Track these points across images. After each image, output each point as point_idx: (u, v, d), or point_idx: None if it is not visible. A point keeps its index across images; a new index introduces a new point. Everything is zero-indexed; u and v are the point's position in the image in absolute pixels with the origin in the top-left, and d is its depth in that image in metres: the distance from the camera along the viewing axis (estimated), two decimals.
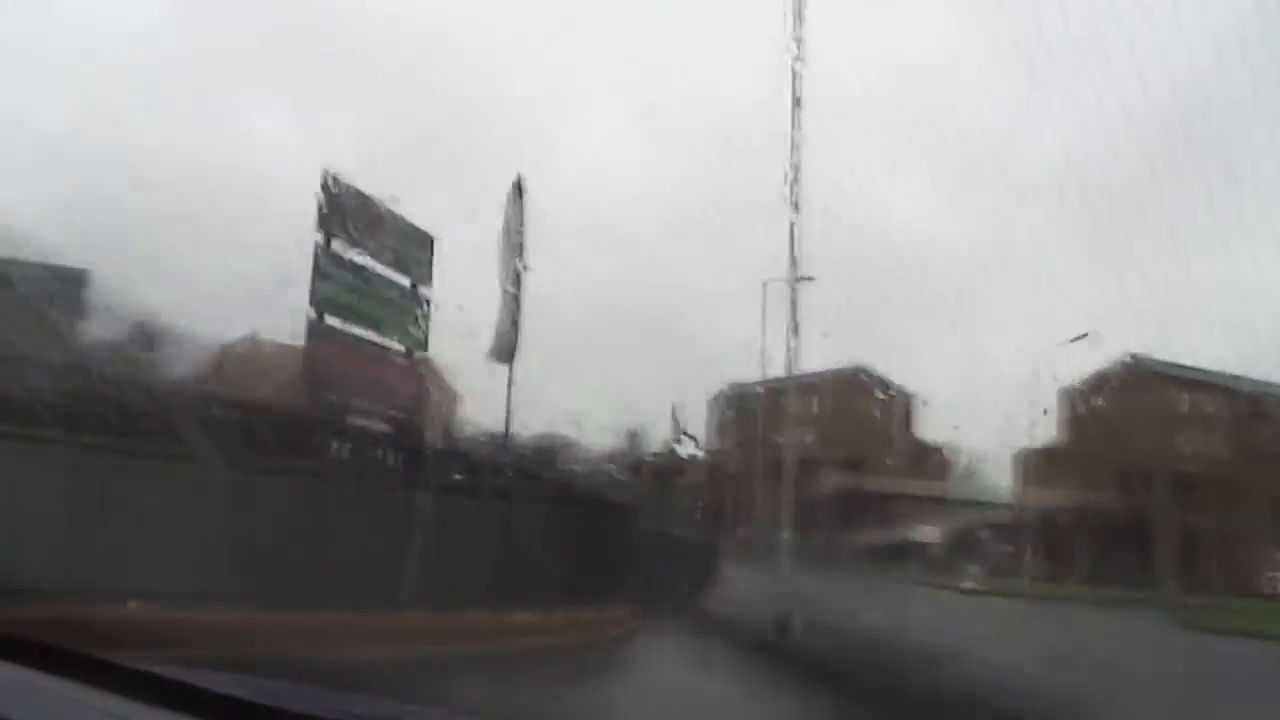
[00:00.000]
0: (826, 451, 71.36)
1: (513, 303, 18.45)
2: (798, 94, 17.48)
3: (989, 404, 77.09)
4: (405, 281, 14.62)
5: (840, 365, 69.88)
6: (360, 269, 13.52)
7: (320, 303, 12.82)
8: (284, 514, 11.53)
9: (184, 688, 1.96)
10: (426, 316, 14.94)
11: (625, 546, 16.27)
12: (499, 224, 18.77)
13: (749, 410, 71.85)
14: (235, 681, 2.02)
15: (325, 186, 12.94)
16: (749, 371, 59.66)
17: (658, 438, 65.59)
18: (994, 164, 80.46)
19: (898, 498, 63.87)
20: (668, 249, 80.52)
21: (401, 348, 14.57)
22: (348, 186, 13.40)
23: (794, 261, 17.46)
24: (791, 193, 17.49)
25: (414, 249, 14.67)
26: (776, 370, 59.76)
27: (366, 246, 13.67)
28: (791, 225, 17.43)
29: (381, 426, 13.66)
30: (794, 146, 17.46)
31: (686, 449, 53.46)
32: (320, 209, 12.90)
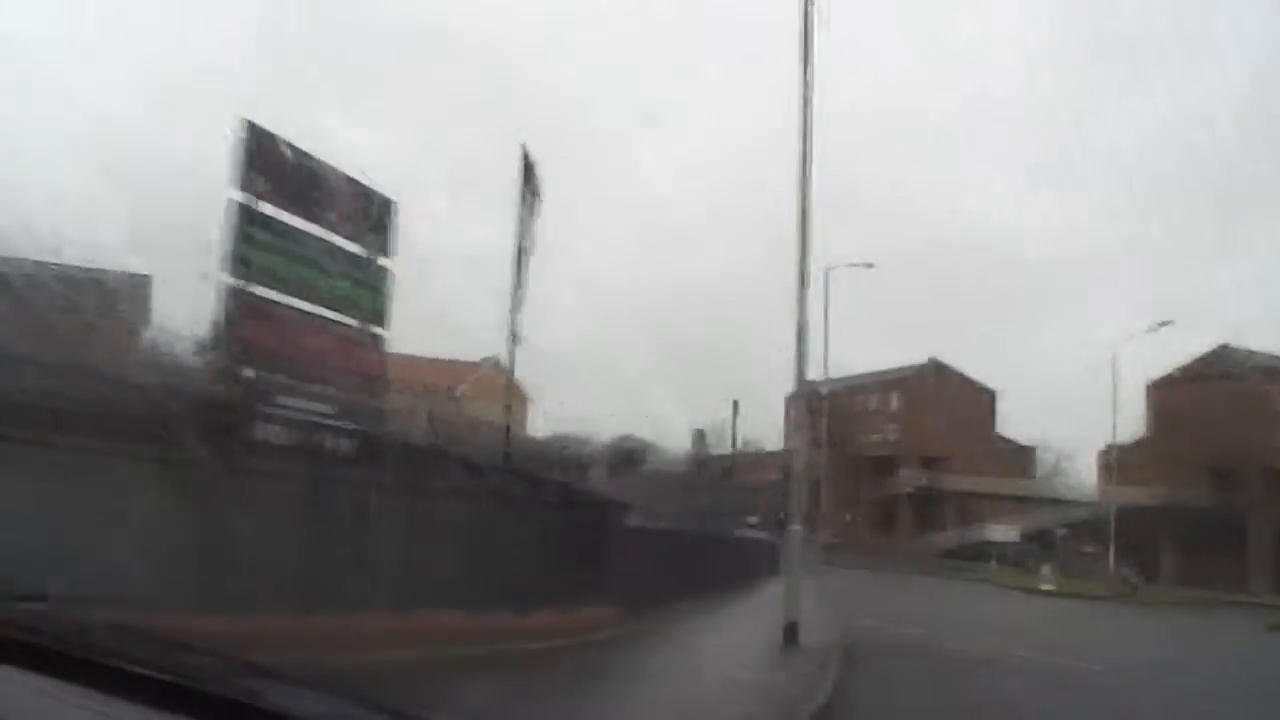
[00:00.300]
0: (905, 449, 68.78)
1: (517, 285, 16.78)
2: (807, 96, 15.74)
3: (1076, 399, 73.48)
4: (357, 249, 12.86)
5: (918, 361, 67.29)
6: (291, 230, 11.75)
7: (237, 267, 11.07)
8: (216, 511, 10.01)
9: (182, 690, 1.88)
10: (386, 289, 13.16)
11: (611, 547, 14.40)
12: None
13: (820, 409, 69.64)
14: (233, 684, 1.96)
15: (244, 135, 11.23)
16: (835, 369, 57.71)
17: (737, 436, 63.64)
18: (1083, 156, 76.82)
19: (977, 496, 61.00)
20: (742, 248, 78.40)
21: (354, 322, 12.80)
22: (275, 137, 11.66)
23: (803, 259, 15.35)
24: (802, 193, 15.60)
25: (368, 213, 12.90)
26: (841, 359, 57.46)
27: (302, 206, 11.92)
28: (801, 224, 15.45)
29: (322, 408, 11.92)
30: (805, 157, 15.64)
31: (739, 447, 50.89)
32: (238, 160, 11.17)
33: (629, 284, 76.13)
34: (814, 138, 15.70)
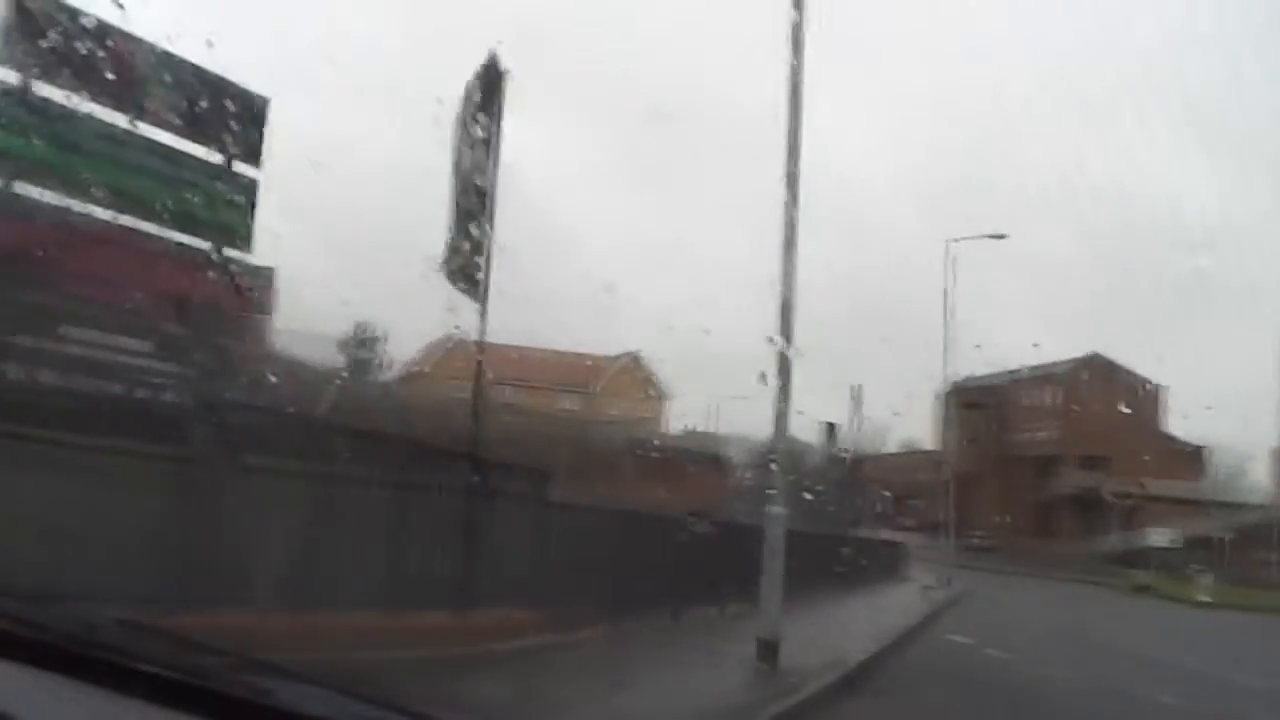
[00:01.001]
0: (1065, 449, 62.45)
1: (465, 212, 13.80)
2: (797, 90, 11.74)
3: (1256, 395, 65.24)
4: (210, 155, 10.06)
5: (1078, 355, 60.83)
6: (80, 120, 8.99)
7: None
8: None
9: (190, 688, 1.81)
10: (247, 204, 10.29)
11: (547, 537, 11.07)
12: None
13: (977, 404, 64.14)
14: (242, 682, 1.88)
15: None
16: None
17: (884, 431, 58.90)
18: (1262, 138, 68.48)
19: (1139, 498, 54.44)
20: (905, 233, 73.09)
21: (201, 243, 9.96)
22: (65, 5, 8.94)
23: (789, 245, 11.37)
24: (789, 184, 11.62)
25: (221, 111, 10.07)
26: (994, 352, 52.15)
27: (110, 93, 9.17)
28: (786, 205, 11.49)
29: (138, 347, 9.14)
30: (792, 149, 11.68)
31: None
32: (4, 29, 8.50)
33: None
34: (802, 130, 11.62)
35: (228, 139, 9.98)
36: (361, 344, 43.70)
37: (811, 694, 9.91)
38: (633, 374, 59.04)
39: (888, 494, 64.28)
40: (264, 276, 29.77)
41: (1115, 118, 77.47)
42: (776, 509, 10.54)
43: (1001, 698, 12.17)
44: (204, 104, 9.83)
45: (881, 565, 32.37)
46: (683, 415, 57.62)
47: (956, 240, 33.84)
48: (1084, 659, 16.30)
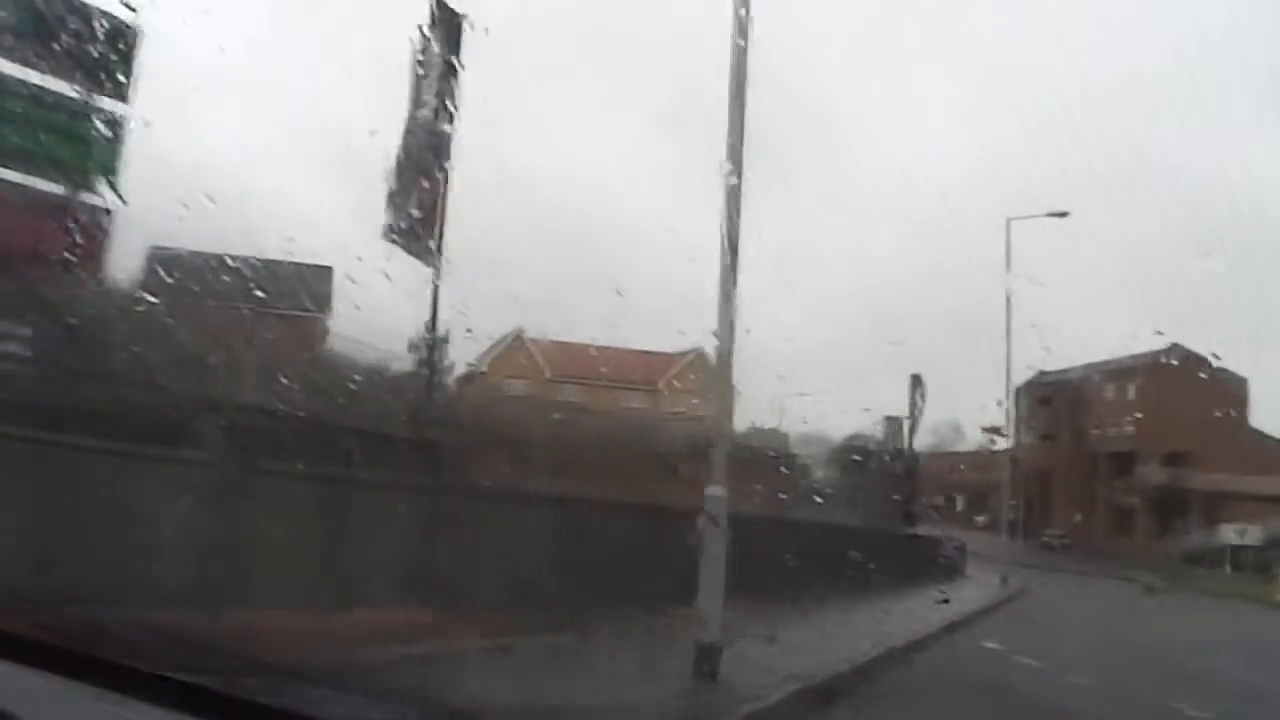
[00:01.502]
0: (1144, 444, 59.02)
1: (415, 163, 12.34)
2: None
3: None
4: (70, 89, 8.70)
5: (1158, 347, 57.26)
6: None
7: None
8: None
9: (199, 691, 1.73)
10: (111, 142, 8.89)
11: (422, 527, 9.40)
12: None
13: (1051, 400, 61.09)
14: (251, 685, 1.80)
15: None
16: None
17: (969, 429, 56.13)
18: None
19: (1228, 496, 50.93)
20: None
21: (56, 186, 8.63)
22: None
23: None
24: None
25: (81, 38, 8.72)
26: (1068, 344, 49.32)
27: None
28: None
29: None
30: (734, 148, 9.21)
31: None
32: None
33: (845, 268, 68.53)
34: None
35: (84, 69, 8.60)
36: (429, 344, 42.59)
37: (756, 710, 8.18)
38: (699, 370, 57.23)
39: (956, 492, 61.80)
40: (321, 275, 28.48)
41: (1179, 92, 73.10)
42: (716, 489, 8.74)
43: (1007, 709, 10.36)
44: (61, 30, 8.47)
45: (931, 564, 30.12)
46: (752, 413, 55.38)
47: (1017, 219, 31.32)
48: (1124, 668, 14.17)
